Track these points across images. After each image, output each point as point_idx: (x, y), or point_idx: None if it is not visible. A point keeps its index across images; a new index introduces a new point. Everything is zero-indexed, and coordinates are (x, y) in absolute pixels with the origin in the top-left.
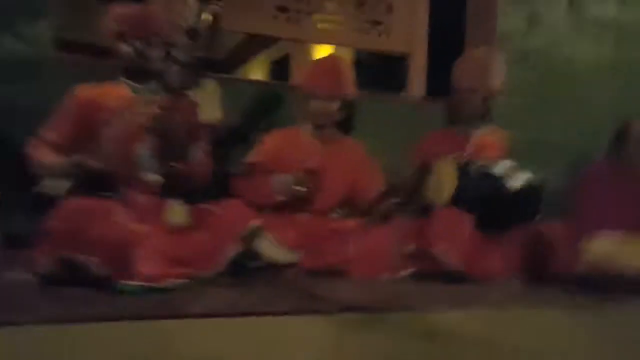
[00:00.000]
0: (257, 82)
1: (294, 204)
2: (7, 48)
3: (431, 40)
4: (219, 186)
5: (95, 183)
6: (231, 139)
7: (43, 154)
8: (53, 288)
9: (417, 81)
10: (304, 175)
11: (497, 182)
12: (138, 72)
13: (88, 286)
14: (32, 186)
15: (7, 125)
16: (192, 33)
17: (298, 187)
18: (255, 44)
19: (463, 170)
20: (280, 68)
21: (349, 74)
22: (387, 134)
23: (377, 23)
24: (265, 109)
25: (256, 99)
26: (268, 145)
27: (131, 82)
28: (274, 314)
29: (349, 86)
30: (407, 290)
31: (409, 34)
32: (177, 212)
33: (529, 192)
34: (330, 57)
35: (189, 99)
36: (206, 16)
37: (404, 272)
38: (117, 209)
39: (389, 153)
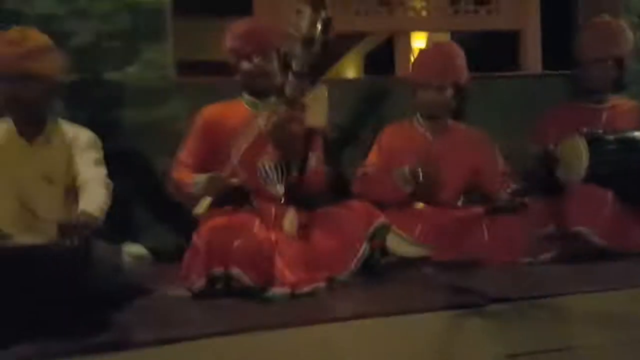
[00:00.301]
0: (362, 79)
1: (419, 195)
2: (134, 74)
3: (543, 14)
4: (335, 189)
5: (231, 197)
6: (341, 140)
7: (182, 175)
8: (207, 302)
9: (532, 57)
10: (420, 164)
11: (637, 149)
12: (258, 88)
13: (236, 297)
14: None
15: (139, 147)
16: (307, 42)
17: (417, 175)
18: (346, 39)
19: (597, 143)
20: (374, 60)
21: (461, 60)
22: (505, 115)
23: (486, 2)
24: (370, 105)
25: (361, 96)
26: (383, 142)
27: (251, 98)
28: (424, 310)
29: (461, 72)
30: (550, 273)
31: (520, 9)
32: (290, 221)
33: None
34: (438, 45)
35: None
36: (320, 24)
37: (545, 255)
38: (254, 221)
39: (510, 133)
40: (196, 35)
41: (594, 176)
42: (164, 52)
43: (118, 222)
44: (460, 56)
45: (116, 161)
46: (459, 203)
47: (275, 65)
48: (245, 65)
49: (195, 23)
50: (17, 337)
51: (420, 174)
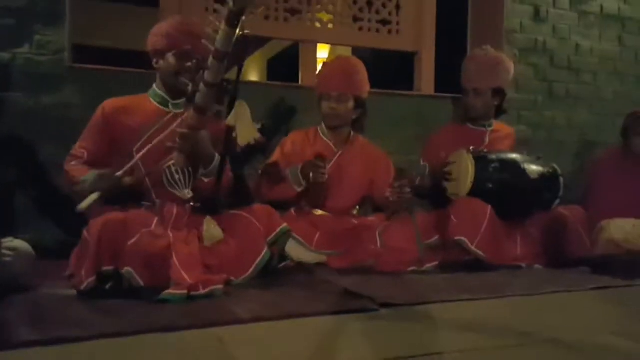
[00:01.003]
0: (270, 84)
1: (309, 198)
2: (27, 57)
3: (438, 38)
4: (239, 193)
5: (126, 195)
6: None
7: (75, 170)
8: (94, 301)
9: (426, 78)
10: (312, 160)
11: (517, 170)
12: (170, 87)
13: (127, 297)
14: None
15: (30, 133)
16: (221, 56)
17: (307, 175)
18: (250, 43)
19: (482, 161)
20: (278, 65)
21: (362, 74)
22: (399, 131)
23: (387, 22)
24: (283, 115)
25: (274, 107)
26: (286, 146)
27: (163, 95)
28: (318, 314)
29: (362, 85)
30: (435, 282)
31: (417, 32)
32: (212, 229)
33: (549, 178)
34: (341, 58)
35: (215, 118)
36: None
37: (429, 264)
38: (152, 219)
39: (401, 149)
40: (94, 19)
41: (477, 191)
42: (60, 35)
43: None
44: (361, 71)
45: None
46: (355, 212)
47: (191, 68)
48: (172, 59)
49: (94, 6)
50: None
51: (311, 175)
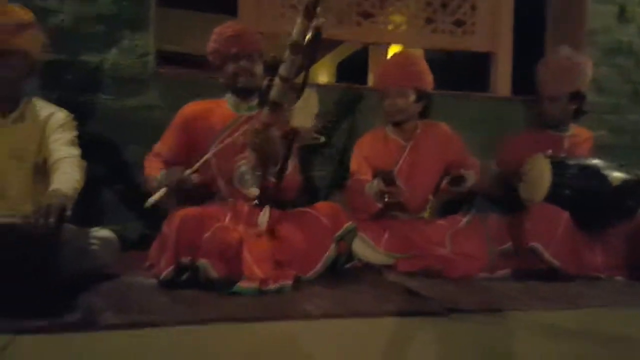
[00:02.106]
0: (337, 85)
1: (390, 208)
2: (114, 61)
3: (515, 38)
4: (305, 191)
5: (195, 193)
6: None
7: (152, 168)
8: (172, 291)
9: (501, 80)
10: (383, 177)
11: (597, 177)
12: (242, 89)
13: (202, 288)
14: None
15: (116, 133)
16: (297, 49)
17: (382, 190)
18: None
19: (559, 166)
20: (348, 68)
21: (420, 66)
22: (473, 133)
23: (462, 22)
24: (344, 111)
25: (336, 103)
26: (361, 152)
27: (235, 99)
28: (386, 314)
29: (421, 78)
30: (508, 289)
31: (494, 32)
32: (262, 218)
33: (631, 186)
34: (397, 54)
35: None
36: (311, 30)
37: (502, 271)
38: (225, 215)
39: (475, 152)
40: (177, 26)
41: (553, 197)
42: (145, 41)
43: (85, 206)
44: (418, 62)
45: (85, 145)
46: (425, 215)
47: (259, 67)
48: (230, 66)
49: (177, 15)
50: None
51: (386, 196)
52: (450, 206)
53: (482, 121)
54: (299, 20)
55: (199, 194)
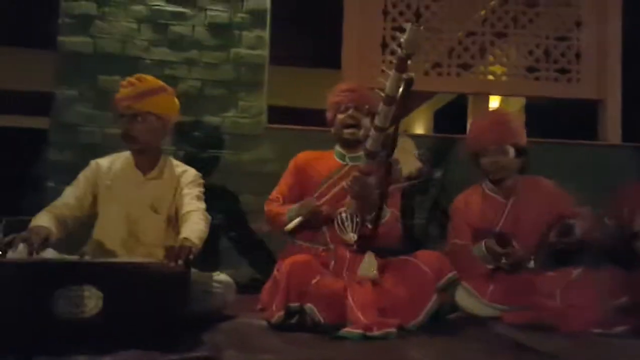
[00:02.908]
0: (436, 136)
1: (507, 269)
2: (231, 118)
3: (624, 83)
4: (410, 240)
5: (319, 223)
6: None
7: (276, 208)
8: (283, 333)
9: (611, 127)
10: (495, 240)
11: None
12: (348, 138)
13: (309, 332)
14: (253, 240)
15: (232, 185)
16: (390, 100)
17: (495, 252)
18: (417, 94)
19: None
20: (445, 116)
21: (515, 122)
22: (581, 182)
23: (565, 71)
24: (440, 161)
25: (431, 151)
26: (457, 215)
27: (341, 150)
28: None
29: (519, 134)
30: (624, 345)
31: (601, 80)
32: (368, 265)
33: None
34: (493, 112)
35: (387, 164)
36: (403, 85)
37: (618, 328)
38: (330, 262)
39: (583, 201)
40: (287, 83)
41: None
42: (259, 101)
43: (204, 252)
44: (513, 119)
45: (206, 195)
46: (531, 264)
47: (367, 121)
48: (340, 116)
49: (287, 72)
50: (122, 344)
51: (504, 258)
52: (559, 259)
53: (590, 170)
54: (391, 72)
55: (325, 224)
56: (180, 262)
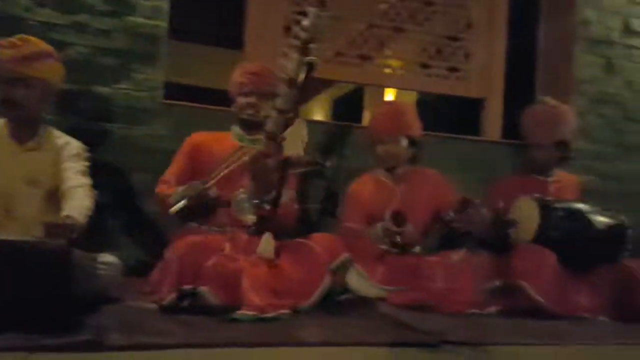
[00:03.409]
0: (331, 122)
1: (399, 249)
2: (126, 93)
3: (507, 84)
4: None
5: (208, 207)
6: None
7: (166, 191)
8: (175, 316)
9: (492, 124)
10: (391, 218)
11: (583, 221)
12: (248, 122)
13: (202, 314)
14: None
15: (123, 161)
16: (292, 83)
17: (390, 231)
18: (317, 83)
19: (547, 209)
20: (342, 105)
21: (411, 115)
22: (463, 175)
23: (456, 69)
24: (336, 147)
25: (329, 139)
26: (354, 197)
27: (240, 131)
28: (380, 344)
29: (412, 126)
30: (497, 324)
31: (485, 79)
32: (266, 244)
33: (617, 230)
34: (390, 103)
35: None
36: (304, 67)
37: (491, 308)
38: (225, 244)
39: (464, 193)
40: (186, 60)
41: (541, 239)
42: (155, 75)
43: (90, 232)
44: (410, 112)
45: (93, 171)
46: (417, 249)
47: (268, 103)
48: (242, 99)
49: (188, 48)
50: None
51: (398, 237)
52: (442, 244)
53: (472, 164)
54: (294, 56)
55: (216, 207)
56: (61, 240)
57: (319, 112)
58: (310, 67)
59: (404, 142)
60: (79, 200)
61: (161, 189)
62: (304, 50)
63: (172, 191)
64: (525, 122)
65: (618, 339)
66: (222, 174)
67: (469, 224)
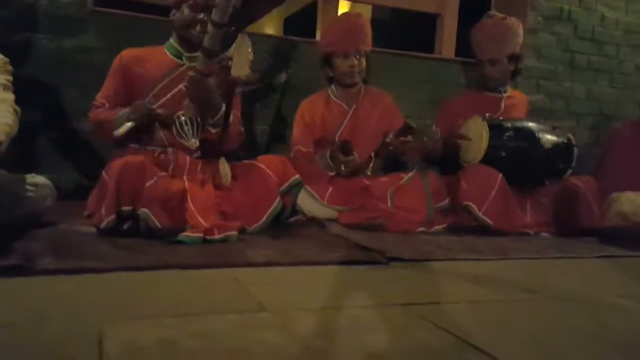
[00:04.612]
0: (282, 38)
1: (345, 176)
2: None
3: (462, 1)
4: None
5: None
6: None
7: (103, 114)
8: (113, 239)
9: (447, 42)
10: (339, 147)
11: (531, 139)
12: (190, 41)
13: (145, 238)
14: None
15: (53, 76)
16: None
17: (337, 159)
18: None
19: (496, 129)
20: (296, 22)
21: (369, 28)
22: (416, 93)
23: None
24: (286, 64)
25: (278, 54)
26: (305, 117)
27: (177, 47)
28: (329, 263)
29: (369, 39)
30: (444, 241)
31: None
32: (225, 171)
33: (563, 148)
34: (351, 15)
35: (225, 63)
36: None
37: (439, 226)
38: (168, 166)
39: (417, 111)
40: None
41: (489, 158)
42: None
43: (20, 153)
44: (368, 24)
45: (20, 87)
46: (367, 172)
47: (204, 17)
48: (188, 13)
49: None
50: None
51: (342, 167)
52: (392, 165)
53: (426, 81)
54: None
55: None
56: None
57: (270, 31)
58: None
59: (364, 57)
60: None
61: (95, 113)
62: None
63: (111, 114)
64: (475, 38)
65: (558, 253)
66: (170, 94)
67: (406, 148)
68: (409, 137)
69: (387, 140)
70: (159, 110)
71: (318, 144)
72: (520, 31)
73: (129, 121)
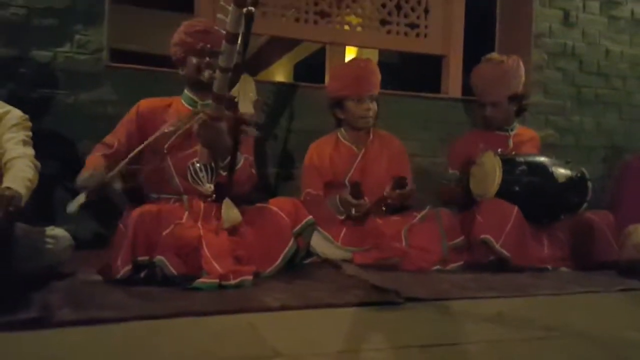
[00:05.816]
0: (289, 84)
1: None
2: (67, 56)
3: (467, 41)
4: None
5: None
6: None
7: (91, 157)
8: (130, 288)
9: (453, 82)
10: (350, 191)
11: (544, 174)
12: (205, 84)
13: (160, 286)
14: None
15: (69, 129)
16: (232, 38)
17: (347, 203)
18: (278, 46)
19: (509, 163)
20: (305, 68)
21: (378, 73)
22: (424, 133)
23: (415, 25)
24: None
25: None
26: (314, 159)
27: (192, 95)
28: (344, 305)
29: (379, 83)
30: (460, 279)
31: (446, 36)
32: (230, 211)
33: (577, 182)
34: (361, 60)
35: (235, 107)
36: (243, 19)
37: (455, 264)
38: (182, 213)
39: (426, 151)
40: (133, 24)
41: (503, 193)
42: (98, 36)
43: (39, 205)
44: (376, 70)
45: (38, 141)
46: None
47: (210, 60)
48: (193, 60)
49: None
50: None
51: (353, 210)
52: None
53: (434, 121)
54: (230, 8)
55: (130, 198)
56: (0, 213)
57: (281, 76)
58: (249, 18)
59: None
60: (19, 171)
61: (92, 154)
62: (240, 1)
63: (94, 162)
64: (474, 82)
65: (577, 288)
66: (149, 140)
67: (402, 201)
68: (405, 190)
69: (385, 194)
70: (117, 183)
71: (328, 187)
72: (521, 71)
73: (85, 188)
